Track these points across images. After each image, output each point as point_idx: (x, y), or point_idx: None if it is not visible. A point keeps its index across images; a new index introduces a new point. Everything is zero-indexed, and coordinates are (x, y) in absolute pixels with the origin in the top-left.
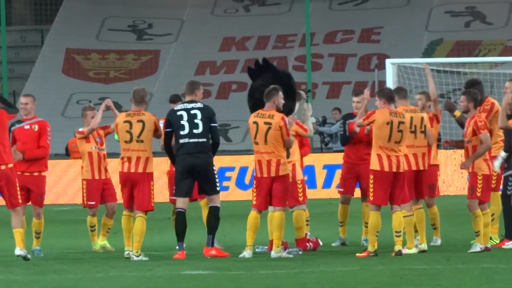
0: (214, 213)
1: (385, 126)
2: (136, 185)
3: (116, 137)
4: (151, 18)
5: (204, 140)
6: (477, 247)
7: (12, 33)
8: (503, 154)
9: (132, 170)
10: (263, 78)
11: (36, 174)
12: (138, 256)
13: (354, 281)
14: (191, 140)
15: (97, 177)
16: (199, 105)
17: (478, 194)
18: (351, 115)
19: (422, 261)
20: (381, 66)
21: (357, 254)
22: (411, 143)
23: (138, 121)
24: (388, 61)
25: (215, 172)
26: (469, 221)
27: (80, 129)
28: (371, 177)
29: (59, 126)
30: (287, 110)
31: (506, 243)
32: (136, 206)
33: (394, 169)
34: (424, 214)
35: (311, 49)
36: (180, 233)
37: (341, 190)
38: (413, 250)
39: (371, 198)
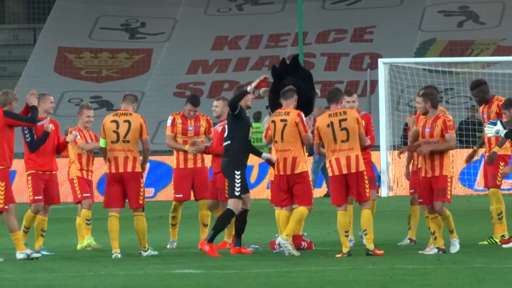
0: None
1: (327, 129)
2: (126, 184)
3: (102, 143)
4: (144, 17)
5: (228, 142)
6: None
7: (4, 32)
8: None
9: (121, 170)
10: (294, 77)
11: (54, 173)
12: (146, 251)
13: (345, 280)
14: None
15: (85, 176)
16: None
17: (449, 197)
18: None
19: (413, 261)
20: (374, 66)
21: (337, 255)
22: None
23: (125, 121)
24: (380, 61)
25: (237, 177)
26: (459, 221)
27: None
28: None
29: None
30: (306, 110)
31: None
32: (130, 205)
33: (345, 171)
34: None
35: (303, 48)
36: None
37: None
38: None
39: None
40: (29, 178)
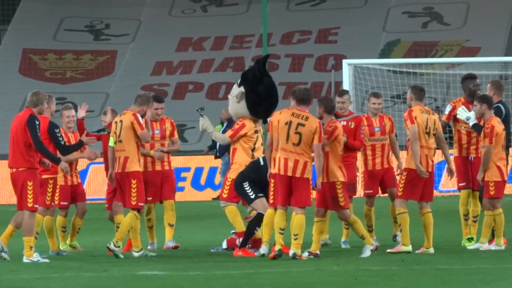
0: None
1: (284, 126)
2: (119, 185)
3: (111, 142)
4: (108, 18)
5: None
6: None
7: None
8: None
9: (118, 170)
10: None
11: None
12: (137, 252)
13: (309, 281)
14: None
15: (70, 182)
16: None
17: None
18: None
19: (377, 262)
20: (338, 67)
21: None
22: (424, 144)
23: (120, 120)
24: (345, 62)
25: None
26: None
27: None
28: (272, 180)
29: None
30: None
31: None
32: (123, 205)
33: (290, 173)
34: (431, 218)
35: (268, 50)
36: None
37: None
38: (408, 248)
39: (271, 200)
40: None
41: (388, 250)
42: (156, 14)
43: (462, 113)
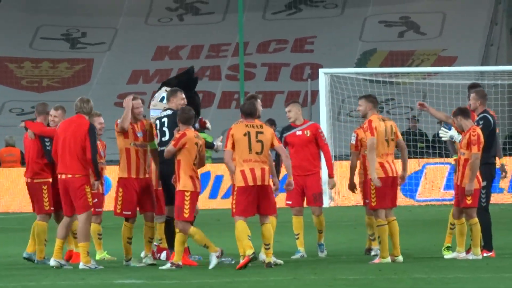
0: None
1: (243, 138)
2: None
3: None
4: (85, 27)
5: None
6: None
7: None
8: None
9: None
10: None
11: None
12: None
13: None
14: (161, 148)
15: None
16: (168, 112)
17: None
18: (288, 128)
19: (354, 271)
20: (314, 76)
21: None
22: (385, 152)
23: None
24: (321, 71)
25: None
26: (400, 232)
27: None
28: (235, 192)
29: None
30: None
31: (485, 254)
32: None
33: (259, 182)
34: (397, 225)
35: (244, 59)
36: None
37: (289, 203)
38: (388, 259)
39: (234, 211)
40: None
41: (370, 262)
42: (132, 23)
43: (444, 134)
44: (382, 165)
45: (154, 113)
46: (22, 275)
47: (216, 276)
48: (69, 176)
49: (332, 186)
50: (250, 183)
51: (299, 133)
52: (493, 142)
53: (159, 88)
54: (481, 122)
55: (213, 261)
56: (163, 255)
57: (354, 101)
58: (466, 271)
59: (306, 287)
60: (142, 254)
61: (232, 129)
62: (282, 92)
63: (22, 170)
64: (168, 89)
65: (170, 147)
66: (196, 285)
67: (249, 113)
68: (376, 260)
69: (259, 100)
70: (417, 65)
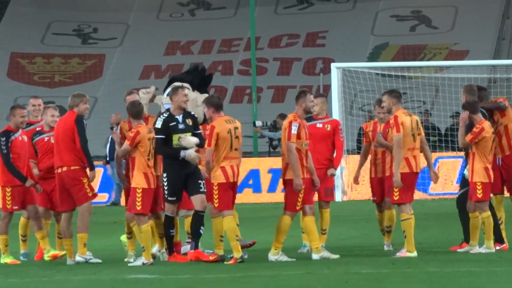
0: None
1: (227, 136)
2: None
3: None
4: (96, 22)
5: None
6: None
7: None
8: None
9: None
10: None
11: None
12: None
13: (299, 285)
14: None
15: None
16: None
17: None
18: (309, 119)
19: (367, 266)
20: (326, 70)
21: (227, 262)
22: (411, 146)
23: None
24: (333, 65)
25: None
26: (419, 225)
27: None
28: (216, 188)
29: None
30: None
31: (497, 247)
32: None
33: (236, 179)
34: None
35: (256, 53)
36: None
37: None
38: (414, 254)
39: (216, 205)
40: None
41: (395, 256)
42: (144, 18)
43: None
44: (407, 160)
45: (166, 106)
46: (36, 270)
47: (228, 271)
48: (64, 169)
49: (331, 174)
50: (231, 179)
51: (319, 125)
52: None
53: (168, 83)
54: None
55: (137, 262)
56: (184, 248)
57: (366, 96)
58: (479, 264)
59: (319, 281)
60: (155, 250)
61: (215, 128)
62: (294, 86)
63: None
64: (186, 84)
65: (125, 145)
66: (209, 280)
67: (220, 106)
68: (403, 253)
69: (308, 96)
70: (429, 59)
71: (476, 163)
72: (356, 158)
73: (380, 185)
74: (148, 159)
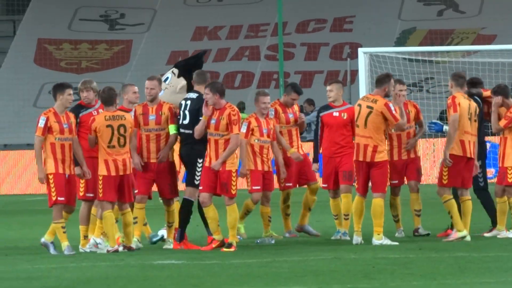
0: (185, 206)
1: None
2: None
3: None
4: (123, 8)
5: (190, 131)
6: None
7: None
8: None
9: None
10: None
11: None
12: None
13: (327, 270)
14: (182, 131)
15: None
16: (193, 95)
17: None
18: (326, 107)
19: (394, 250)
20: (354, 55)
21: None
22: (467, 130)
23: None
24: (360, 50)
25: (199, 165)
26: (439, 211)
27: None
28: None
29: (31, 116)
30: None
31: (494, 232)
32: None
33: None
34: (471, 205)
35: (283, 38)
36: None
37: (325, 186)
38: (465, 232)
39: (233, 192)
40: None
41: (444, 240)
42: (171, 3)
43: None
44: (462, 142)
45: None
46: (62, 257)
47: (256, 256)
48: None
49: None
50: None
51: (336, 114)
52: (481, 120)
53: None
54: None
55: (86, 249)
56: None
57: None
58: (507, 249)
59: (346, 266)
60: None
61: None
62: (322, 71)
63: None
64: (176, 70)
65: (89, 136)
66: (236, 265)
67: (223, 91)
68: (453, 236)
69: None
70: (456, 44)
71: (508, 148)
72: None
73: (398, 168)
74: (110, 147)
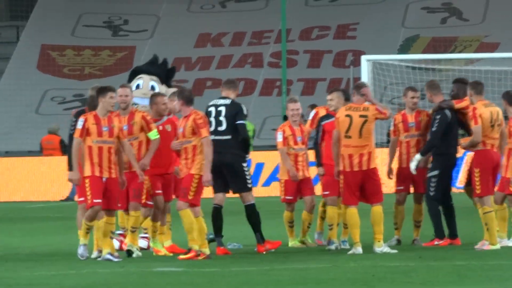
0: (251, 211)
1: None
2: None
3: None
4: (127, 14)
5: (229, 137)
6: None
7: None
8: (418, 156)
9: None
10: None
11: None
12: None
13: (326, 278)
14: (216, 138)
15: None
16: (226, 101)
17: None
18: (327, 116)
19: (394, 259)
20: (357, 63)
21: (179, 257)
22: (490, 135)
23: None
24: (363, 58)
25: (246, 169)
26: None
27: None
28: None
29: (33, 122)
30: None
31: (436, 242)
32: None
33: None
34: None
35: (286, 46)
36: (218, 229)
37: (326, 193)
38: (498, 246)
39: (190, 198)
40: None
41: (476, 247)
42: (174, 10)
43: (413, 164)
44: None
45: (137, 101)
46: (63, 263)
47: (255, 264)
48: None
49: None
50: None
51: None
52: (450, 132)
53: (132, 74)
54: (437, 117)
55: (79, 251)
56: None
57: (396, 88)
58: (507, 257)
59: (347, 274)
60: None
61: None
62: (324, 79)
63: (62, 158)
64: (146, 76)
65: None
66: (236, 272)
67: (191, 100)
68: (485, 247)
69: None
70: (459, 52)
71: None
72: (385, 151)
73: (405, 176)
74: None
